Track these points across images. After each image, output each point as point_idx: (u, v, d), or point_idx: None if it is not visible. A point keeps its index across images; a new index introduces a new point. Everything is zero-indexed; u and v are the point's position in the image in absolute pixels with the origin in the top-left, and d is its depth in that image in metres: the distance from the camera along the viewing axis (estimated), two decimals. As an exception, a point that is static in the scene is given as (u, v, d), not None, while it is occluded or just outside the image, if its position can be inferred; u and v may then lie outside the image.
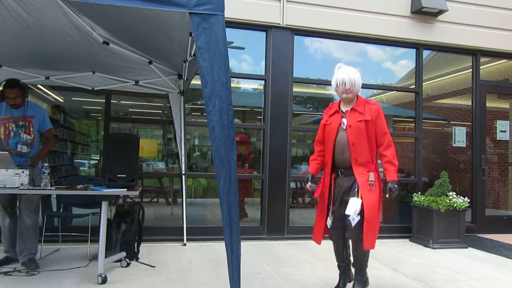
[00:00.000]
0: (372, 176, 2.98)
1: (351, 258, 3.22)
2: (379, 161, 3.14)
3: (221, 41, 2.39)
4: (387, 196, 2.98)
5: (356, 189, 2.97)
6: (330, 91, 6.83)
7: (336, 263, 3.29)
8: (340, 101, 3.17)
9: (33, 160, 3.68)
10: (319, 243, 3.22)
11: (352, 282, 3.21)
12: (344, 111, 3.09)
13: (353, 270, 3.25)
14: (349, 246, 3.22)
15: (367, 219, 2.90)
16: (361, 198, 2.93)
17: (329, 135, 3.12)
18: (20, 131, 3.70)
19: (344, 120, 3.05)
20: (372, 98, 7.37)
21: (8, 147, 3.66)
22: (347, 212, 2.93)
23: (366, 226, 2.89)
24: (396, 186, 2.97)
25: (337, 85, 3.05)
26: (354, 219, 2.90)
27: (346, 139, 3.01)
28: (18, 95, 3.66)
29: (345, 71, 3.03)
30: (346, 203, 3.00)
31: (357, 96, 3.10)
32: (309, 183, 3.18)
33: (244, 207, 5.93)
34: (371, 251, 3.12)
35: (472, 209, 5.99)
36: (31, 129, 3.76)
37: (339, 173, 3.09)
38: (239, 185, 5.68)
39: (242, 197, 5.88)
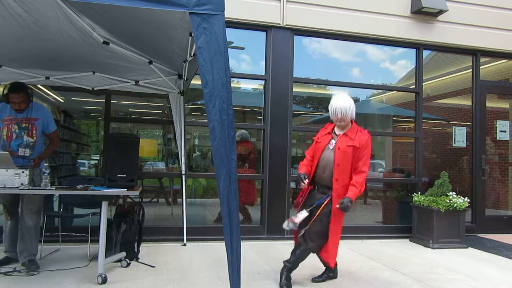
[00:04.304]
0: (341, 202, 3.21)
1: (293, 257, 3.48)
2: None
3: (221, 41, 2.39)
4: (336, 206, 3.18)
5: (321, 202, 3.24)
6: (330, 91, 6.84)
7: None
8: (335, 124, 3.41)
9: (36, 160, 3.67)
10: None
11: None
12: (337, 133, 3.35)
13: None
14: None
15: (333, 241, 3.30)
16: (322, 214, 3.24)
17: (316, 152, 3.39)
18: (22, 133, 3.68)
19: (333, 141, 3.32)
20: (372, 98, 7.38)
21: (10, 148, 3.65)
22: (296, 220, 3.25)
23: (332, 244, 3.30)
24: (349, 203, 3.16)
25: (331, 113, 3.31)
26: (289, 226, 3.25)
27: (330, 159, 3.26)
28: (23, 100, 3.62)
29: (338, 102, 3.26)
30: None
31: (352, 121, 3.35)
32: (306, 181, 3.34)
33: (247, 210, 5.92)
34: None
35: (472, 209, 5.99)
36: (34, 131, 3.73)
37: (316, 188, 3.37)
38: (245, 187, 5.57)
39: (247, 201, 5.87)
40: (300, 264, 4.10)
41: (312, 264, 4.10)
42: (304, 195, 3.44)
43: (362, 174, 3.22)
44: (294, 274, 3.76)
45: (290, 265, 3.43)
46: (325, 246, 3.33)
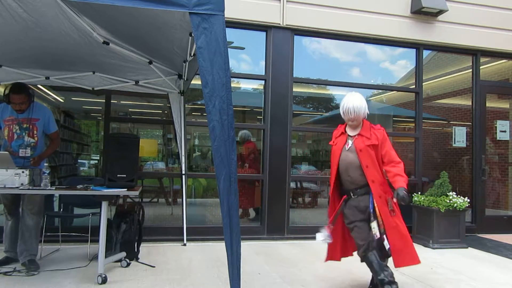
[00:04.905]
0: (390, 201, 3.05)
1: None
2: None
3: (221, 41, 2.39)
4: (394, 200, 3.02)
5: (371, 210, 3.05)
6: (330, 91, 6.85)
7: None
8: (346, 124, 3.28)
9: (35, 159, 3.67)
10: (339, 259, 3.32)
11: None
12: (351, 135, 3.21)
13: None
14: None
15: (394, 243, 3.00)
16: (380, 218, 3.01)
17: (334, 156, 3.24)
18: (23, 133, 3.69)
19: (349, 141, 3.18)
20: (372, 98, 7.38)
21: (11, 149, 3.65)
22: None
23: (394, 249, 3.01)
24: (405, 192, 2.99)
25: (343, 113, 3.18)
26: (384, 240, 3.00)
27: (352, 160, 3.11)
28: (24, 101, 3.63)
29: (351, 100, 3.14)
30: (365, 221, 3.10)
31: (362, 120, 3.23)
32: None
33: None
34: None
35: (472, 209, 5.99)
36: (35, 132, 3.73)
37: (351, 194, 3.16)
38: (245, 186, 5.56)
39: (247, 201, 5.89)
40: (300, 264, 4.11)
41: (312, 264, 4.11)
42: (337, 206, 3.22)
43: (399, 164, 3.10)
44: (295, 274, 3.76)
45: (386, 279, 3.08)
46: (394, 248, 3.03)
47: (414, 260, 3.11)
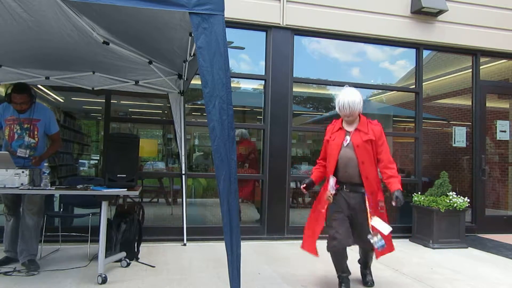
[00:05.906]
0: (381, 203, 3.16)
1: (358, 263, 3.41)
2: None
3: (221, 41, 2.39)
4: (393, 204, 3.07)
5: (367, 210, 3.10)
6: (330, 91, 6.84)
7: (337, 273, 3.30)
8: (342, 119, 3.30)
9: (36, 159, 3.67)
10: (316, 254, 3.33)
11: (365, 275, 3.49)
12: (348, 130, 3.24)
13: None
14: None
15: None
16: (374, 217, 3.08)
17: (332, 150, 3.23)
18: (24, 134, 3.69)
19: (347, 137, 3.20)
20: (372, 98, 7.38)
21: (12, 149, 3.65)
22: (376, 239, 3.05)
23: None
24: (401, 194, 3.07)
25: (339, 108, 3.20)
26: (378, 242, 3.04)
27: (351, 156, 3.15)
28: (25, 101, 3.63)
29: (346, 96, 3.16)
30: (352, 220, 3.19)
31: (359, 116, 3.24)
32: (305, 185, 3.30)
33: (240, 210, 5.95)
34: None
35: (472, 209, 5.98)
36: (36, 132, 3.73)
37: (344, 187, 3.21)
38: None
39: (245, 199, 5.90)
40: (300, 264, 4.11)
41: (312, 264, 4.11)
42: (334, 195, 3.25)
43: (393, 165, 3.15)
44: (295, 274, 3.77)
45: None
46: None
47: (391, 247, 3.35)
